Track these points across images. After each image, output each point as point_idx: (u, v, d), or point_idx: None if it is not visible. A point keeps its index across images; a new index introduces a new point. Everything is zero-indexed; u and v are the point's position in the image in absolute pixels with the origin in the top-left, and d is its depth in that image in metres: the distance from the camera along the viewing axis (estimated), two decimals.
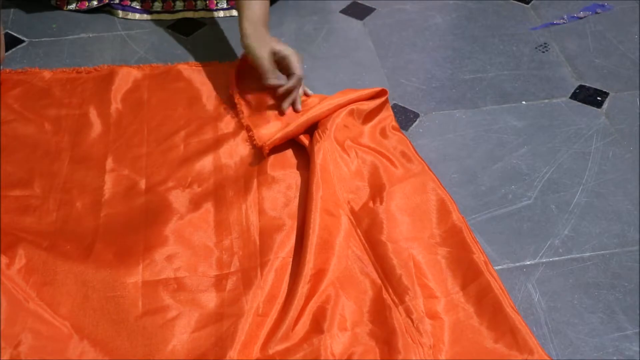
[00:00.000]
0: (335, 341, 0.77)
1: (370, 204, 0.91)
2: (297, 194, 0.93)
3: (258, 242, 0.87)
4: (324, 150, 0.94)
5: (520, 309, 0.81)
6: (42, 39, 1.22)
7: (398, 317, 0.78)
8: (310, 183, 0.90)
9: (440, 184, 0.94)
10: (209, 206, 0.92)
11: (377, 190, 0.93)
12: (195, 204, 0.92)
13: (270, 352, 0.76)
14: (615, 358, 0.78)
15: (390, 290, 0.81)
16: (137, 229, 0.88)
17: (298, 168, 0.97)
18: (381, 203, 0.90)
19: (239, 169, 0.97)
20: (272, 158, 0.98)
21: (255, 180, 0.94)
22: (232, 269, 0.84)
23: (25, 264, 0.82)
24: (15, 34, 1.23)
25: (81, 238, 0.88)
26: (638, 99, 1.14)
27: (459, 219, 0.89)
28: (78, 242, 0.87)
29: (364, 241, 0.87)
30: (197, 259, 0.86)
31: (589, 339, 0.80)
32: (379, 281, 0.83)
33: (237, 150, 1.00)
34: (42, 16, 1.27)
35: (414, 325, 0.78)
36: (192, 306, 0.81)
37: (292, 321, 0.78)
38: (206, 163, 0.98)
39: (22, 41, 1.21)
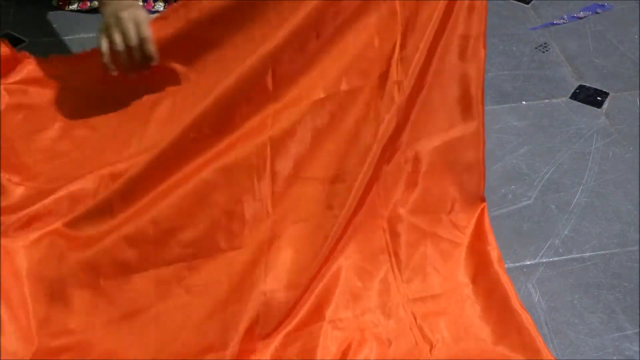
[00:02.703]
0: (337, 327, 0.76)
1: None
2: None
3: (272, 219, 0.84)
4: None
5: None
6: (43, 39, 1.22)
7: (402, 312, 0.78)
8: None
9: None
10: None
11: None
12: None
13: (275, 340, 0.75)
14: (615, 358, 0.78)
15: (399, 281, 0.81)
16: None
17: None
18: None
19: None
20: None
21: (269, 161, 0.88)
22: (243, 248, 0.82)
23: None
24: (15, 34, 1.23)
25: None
26: (638, 99, 1.14)
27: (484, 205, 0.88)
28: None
29: (386, 227, 0.85)
30: (210, 240, 0.83)
31: (589, 339, 0.80)
32: (391, 274, 0.82)
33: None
34: (43, 16, 1.27)
35: (416, 323, 0.78)
36: (202, 296, 0.79)
37: (295, 305, 0.77)
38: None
39: (23, 41, 1.22)
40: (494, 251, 0.84)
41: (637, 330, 0.81)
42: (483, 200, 0.89)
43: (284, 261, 0.80)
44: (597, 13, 1.34)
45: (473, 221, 0.87)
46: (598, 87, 1.16)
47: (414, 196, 0.87)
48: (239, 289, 0.79)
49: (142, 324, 0.77)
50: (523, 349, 0.75)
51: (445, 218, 0.87)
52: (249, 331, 0.75)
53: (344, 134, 0.84)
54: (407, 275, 0.81)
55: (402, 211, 0.85)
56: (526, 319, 0.77)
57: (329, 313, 0.77)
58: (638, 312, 0.83)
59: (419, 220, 0.86)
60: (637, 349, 0.79)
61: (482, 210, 0.88)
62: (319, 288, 0.79)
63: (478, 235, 0.86)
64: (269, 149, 0.84)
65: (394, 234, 0.85)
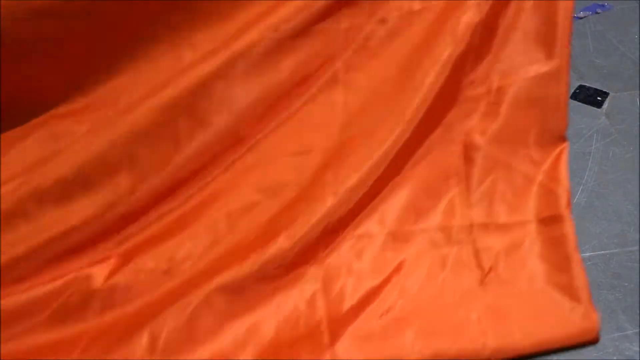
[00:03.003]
0: (397, 239, 0.80)
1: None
2: None
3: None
4: None
5: None
6: None
7: (463, 236, 0.81)
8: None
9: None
10: None
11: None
12: None
13: (335, 240, 0.79)
14: (615, 358, 0.78)
15: (465, 205, 0.83)
16: None
17: None
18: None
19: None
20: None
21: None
22: (312, 152, 0.84)
23: None
24: None
25: None
26: (638, 99, 1.14)
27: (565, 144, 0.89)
28: None
29: (460, 152, 0.87)
30: (278, 143, 0.85)
31: None
32: (458, 197, 0.84)
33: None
34: None
35: (475, 248, 0.80)
36: (272, 197, 0.82)
37: (361, 208, 0.80)
38: None
39: None
40: (564, 193, 0.84)
41: (637, 330, 0.81)
42: (564, 140, 0.88)
43: (353, 165, 0.81)
44: (597, 13, 1.34)
45: (550, 159, 0.88)
46: (598, 87, 1.16)
47: (494, 126, 0.87)
48: (309, 191, 0.81)
49: (214, 221, 0.80)
50: (569, 295, 0.77)
51: (523, 151, 0.88)
52: (316, 227, 0.77)
53: (415, 49, 0.85)
54: (475, 200, 0.83)
55: (479, 139, 0.86)
56: (577, 265, 0.79)
57: (390, 223, 0.79)
58: (638, 312, 0.83)
59: (496, 150, 0.87)
60: (637, 349, 0.79)
61: (562, 150, 0.88)
62: (386, 200, 0.82)
63: (552, 174, 0.86)
64: (341, 62, 0.86)
65: (468, 160, 0.86)
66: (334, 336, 0.74)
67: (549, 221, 0.83)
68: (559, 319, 0.76)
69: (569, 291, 0.78)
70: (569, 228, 0.82)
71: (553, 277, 0.79)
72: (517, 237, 0.82)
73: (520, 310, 0.77)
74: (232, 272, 0.75)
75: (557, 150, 0.88)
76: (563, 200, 0.84)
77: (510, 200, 0.85)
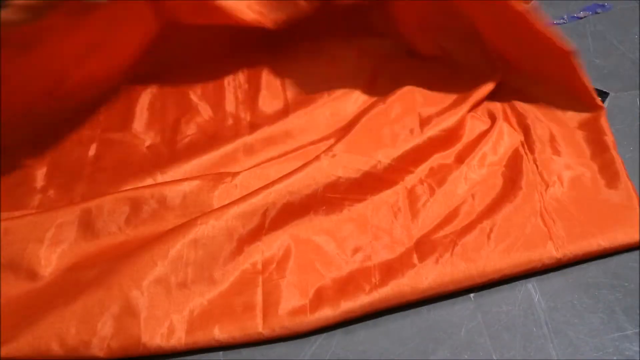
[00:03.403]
0: (471, 172, 0.95)
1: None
2: None
3: None
4: None
5: (520, 309, 0.82)
6: None
7: (527, 163, 0.95)
8: None
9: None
10: None
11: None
12: None
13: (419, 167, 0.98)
14: (615, 358, 0.78)
15: (529, 153, 0.98)
16: None
17: None
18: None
19: None
20: None
21: None
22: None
23: None
24: None
25: None
26: (638, 99, 1.14)
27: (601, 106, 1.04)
28: None
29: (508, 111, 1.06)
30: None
31: (589, 339, 0.80)
32: (521, 147, 0.99)
33: None
34: None
35: (538, 170, 0.94)
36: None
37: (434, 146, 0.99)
38: None
39: None
40: (609, 139, 0.99)
41: (637, 330, 0.81)
42: (602, 107, 1.05)
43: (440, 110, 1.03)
44: (597, 13, 1.34)
45: (588, 116, 1.04)
46: (598, 87, 1.16)
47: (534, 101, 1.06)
48: (398, 130, 1.01)
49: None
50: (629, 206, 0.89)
51: (563, 116, 1.05)
52: (405, 156, 0.96)
53: None
54: (536, 146, 0.98)
55: (524, 107, 1.06)
56: (632, 189, 0.92)
57: (466, 159, 0.97)
58: (638, 312, 0.83)
59: (541, 114, 1.05)
60: (637, 349, 0.79)
61: (600, 113, 1.04)
62: (460, 140, 1.01)
63: (593, 128, 1.01)
64: None
65: (522, 124, 1.03)
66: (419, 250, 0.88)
67: (600, 159, 0.96)
68: (622, 216, 0.88)
69: (627, 199, 0.91)
70: (618, 164, 0.95)
71: (610, 188, 0.92)
72: (576, 170, 0.95)
73: (588, 212, 0.89)
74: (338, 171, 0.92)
75: (596, 111, 1.04)
76: (610, 142, 0.98)
77: (566, 147, 0.99)
